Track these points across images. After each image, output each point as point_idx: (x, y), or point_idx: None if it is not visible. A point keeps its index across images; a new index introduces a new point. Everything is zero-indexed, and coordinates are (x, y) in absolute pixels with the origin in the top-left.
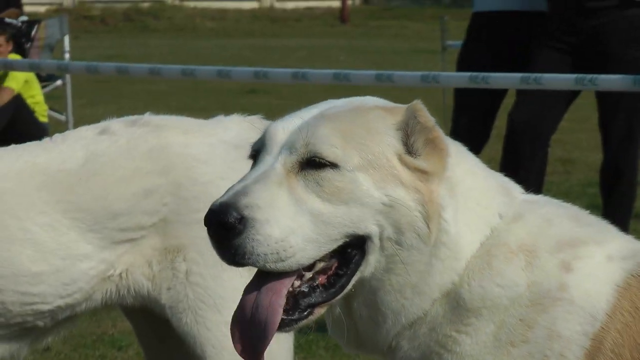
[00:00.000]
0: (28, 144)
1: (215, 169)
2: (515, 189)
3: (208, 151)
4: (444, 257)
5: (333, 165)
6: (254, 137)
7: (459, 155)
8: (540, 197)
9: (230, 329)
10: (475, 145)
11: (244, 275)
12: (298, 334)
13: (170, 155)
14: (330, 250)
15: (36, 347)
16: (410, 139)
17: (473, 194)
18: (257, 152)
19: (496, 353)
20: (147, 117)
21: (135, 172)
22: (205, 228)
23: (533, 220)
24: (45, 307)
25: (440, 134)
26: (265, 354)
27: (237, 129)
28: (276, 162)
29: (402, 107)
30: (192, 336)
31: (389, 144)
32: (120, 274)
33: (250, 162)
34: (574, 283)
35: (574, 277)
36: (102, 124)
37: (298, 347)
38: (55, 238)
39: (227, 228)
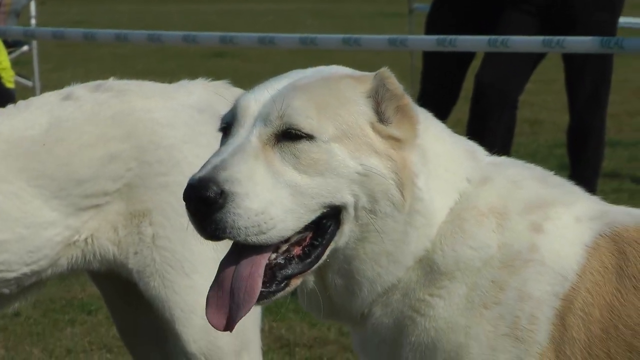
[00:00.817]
0: None
1: (179, 133)
2: (481, 152)
3: (171, 115)
4: (418, 225)
5: (309, 137)
6: (218, 101)
7: (426, 122)
8: (504, 159)
9: (207, 298)
10: (444, 109)
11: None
12: None
13: (134, 120)
14: (309, 221)
15: (5, 313)
16: (381, 107)
17: (441, 160)
18: (228, 125)
19: (469, 315)
20: (111, 82)
21: (99, 137)
22: (184, 202)
23: (500, 182)
24: (11, 275)
25: (410, 101)
26: None
27: (201, 93)
28: (251, 134)
29: (370, 75)
30: (160, 300)
31: (362, 112)
32: (85, 240)
33: (220, 134)
34: (544, 244)
35: (544, 238)
36: (66, 90)
37: (267, 311)
38: (20, 206)
39: (207, 203)
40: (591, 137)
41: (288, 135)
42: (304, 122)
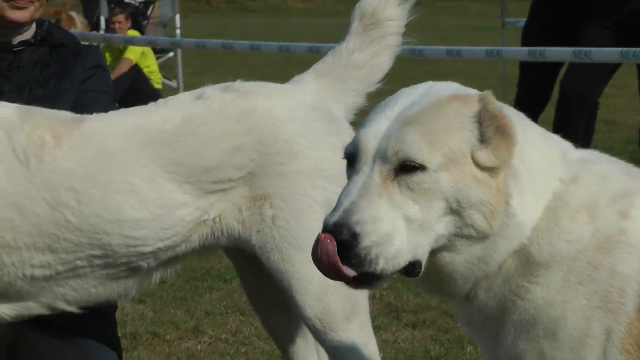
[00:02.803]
0: (134, 107)
1: (295, 128)
2: (570, 150)
3: (289, 112)
4: (508, 236)
5: (422, 168)
6: (329, 99)
7: (524, 132)
8: (591, 154)
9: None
10: (536, 110)
11: (323, 219)
12: None
13: (256, 117)
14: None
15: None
16: (482, 128)
17: (537, 166)
18: (350, 157)
19: (566, 292)
20: (237, 83)
21: (226, 132)
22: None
23: (589, 179)
24: (147, 249)
25: (509, 120)
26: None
27: (315, 92)
28: (373, 172)
29: (475, 96)
30: (279, 272)
31: (466, 139)
32: (214, 219)
33: (344, 161)
34: (631, 228)
35: (631, 222)
36: (199, 90)
37: None
38: (155, 189)
39: (344, 245)
40: None
41: (405, 168)
42: (417, 155)
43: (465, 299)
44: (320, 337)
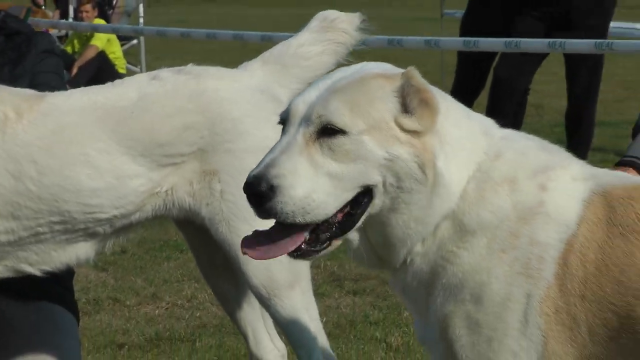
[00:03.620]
0: (93, 86)
1: (242, 108)
2: (493, 128)
3: (237, 94)
4: (440, 194)
5: (342, 132)
6: (275, 83)
7: (448, 109)
8: (513, 133)
9: (250, 234)
10: (472, 95)
11: None
12: None
13: (206, 97)
14: (347, 200)
15: (114, 250)
16: (406, 101)
17: (460, 141)
18: (283, 121)
19: (490, 259)
20: (190, 67)
21: (178, 110)
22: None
23: (511, 155)
24: (103, 216)
25: (431, 94)
26: (284, 256)
27: (261, 76)
28: (297, 133)
29: (399, 74)
30: (227, 243)
31: (388, 109)
32: (166, 191)
33: (280, 126)
34: (549, 200)
35: (549, 195)
36: (154, 72)
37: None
38: (110, 161)
39: (260, 196)
40: (584, 119)
41: (326, 131)
42: (338, 119)
43: (401, 267)
44: (265, 303)
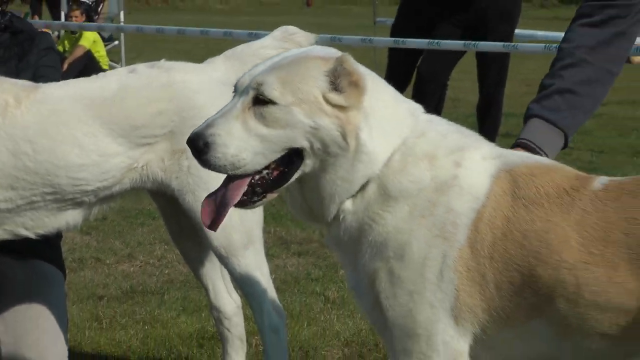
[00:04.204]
0: (81, 78)
1: (206, 97)
2: (419, 111)
3: (201, 85)
4: (363, 160)
5: (273, 102)
6: (236, 75)
7: (376, 90)
8: (437, 117)
9: (202, 204)
10: (401, 88)
11: None
12: (272, 208)
13: (176, 88)
14: (273, 160)
15: (97, 217)
16: (337, 81)
17: (387, 119)
18: (235, 90)
19: (411, 223)
20: (162, 62)
21: (151, 99)
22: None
23: (432, 135)
24: (89, 188)
25: (360, 76)
26: (240, 222)
27: (222, 69)
28: (237, 101)
29: (334, 57)
30: (192, 210)
31: (318, 85)
32: (142, 167)
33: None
34: (463, 175)
35: (463, 170)
36: (132, 67)
37: (272, 219)
38: (95, 142)
39: (198, 150)
40: (493, 110)
41: (260, 101)
42: (270, 92)
43: (333, 222)
44: (224, 261)
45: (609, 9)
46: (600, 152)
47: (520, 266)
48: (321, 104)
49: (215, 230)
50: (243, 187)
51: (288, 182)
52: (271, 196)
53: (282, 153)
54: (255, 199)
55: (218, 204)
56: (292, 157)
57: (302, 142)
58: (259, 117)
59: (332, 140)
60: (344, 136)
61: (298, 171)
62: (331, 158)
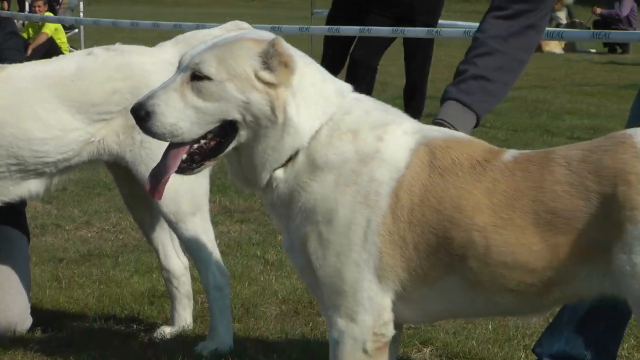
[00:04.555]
0: (42, 60)
1: (158, 77)
2: (347, 90)
3: (153, 66)
4: (290, 133)
5: (209, 78)
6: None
7: (306, 71)
8: (364, 96)
9: (148, 175)
10: (335, 72)
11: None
12: (217, 180)
13: (130, 69)
14: (209, 130)
15: (57, 188)
16: (268, 61)
17: (314, 96)
18: (178, 67)
19: (337, 191)
20: (117, 45)
21: (107, 78)
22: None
23: (357, 112)
24: (50, 160)
25: (290, 58)
26: (187, 191)
27: (172, 52)
28: (178, 76)
29: (268, 40)
30: (144, 181)
31: (250, 64)
32: (98, 141)
33: None
34: (384, 148)
35: (384, 144)
36: (89, 49)
37: (217, 190)
38: (55, 117)
39: (140, 118)
40: (417, 93)
41: (197, 77)
42: (205, 68)
43: (267, 189)
44: (173, 226)
45: (519, 3)
46: (514, 130)
47: (436, 229)
48: (253, 81)
49: (159, 199)
50: (181, 155)
51: (224, 151)
52: (209, 164)
53: (217, 124)
54: (194, 166)
55: (160, 172)
56: (227, 128)
57: (235, 115)
58: (195, 91)
59: (262, 114)
60: (273, 110)
61: (233, 142)
62: (262, 130)
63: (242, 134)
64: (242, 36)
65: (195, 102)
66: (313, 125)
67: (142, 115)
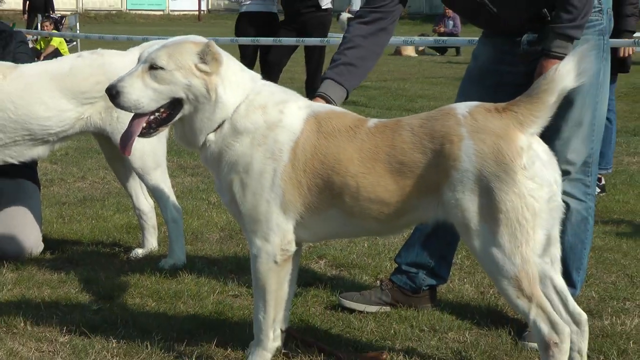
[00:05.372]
0: (45, 61)
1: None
2: (259, 79)
3: (125, 65)
4: (220, 107)
5: (162, 68)
6: None
7: (229, 64)
8: (270, 82)
9: (119, 138)
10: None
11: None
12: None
13: (108, 66)
14: (162, 105)
15: (58, 151)
16: (204, 56)
17: (235, 82)
18: (139, 60)
19: (252, 149)
20: (100, 50)
21: (92, 74)
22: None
23: (265, 92)
24: (52, 131)
25: (219, 55)
26: (150, 151)
27: (137, 54)
28: (139, 67)
29: (204, 42)
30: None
31: (191, 59)
32: (87, 117)
33: None
34: (285, 119)
35: (284, 116)
36: (79, 53)
37: (174, 152)
38: (55, 102)
39: (112, 95)
40: (315, 84)
41: (153, 67)
42: (159, 61)
43: (203, 147)
44: (141, 177)
45: (375, 13)
46: (382, 109)
47: (322, 175)
48: (193, 70)
49: (129, 155)
50: (142, 123)
51: (172, 120)
52: (162, 129)
53: (168, 101)
54: (152, 131)
55: (127, 136)
56: (175, 104)
57: (181, 94)
58: (152, 77)
59: (200, 94)
60: (208, 91)
61: (179, 113)
62: (200, 105)
63: (186, 108)
64: (186, 39)
65: (152, 84)
66: (235, 102)
67: (113, 93)
